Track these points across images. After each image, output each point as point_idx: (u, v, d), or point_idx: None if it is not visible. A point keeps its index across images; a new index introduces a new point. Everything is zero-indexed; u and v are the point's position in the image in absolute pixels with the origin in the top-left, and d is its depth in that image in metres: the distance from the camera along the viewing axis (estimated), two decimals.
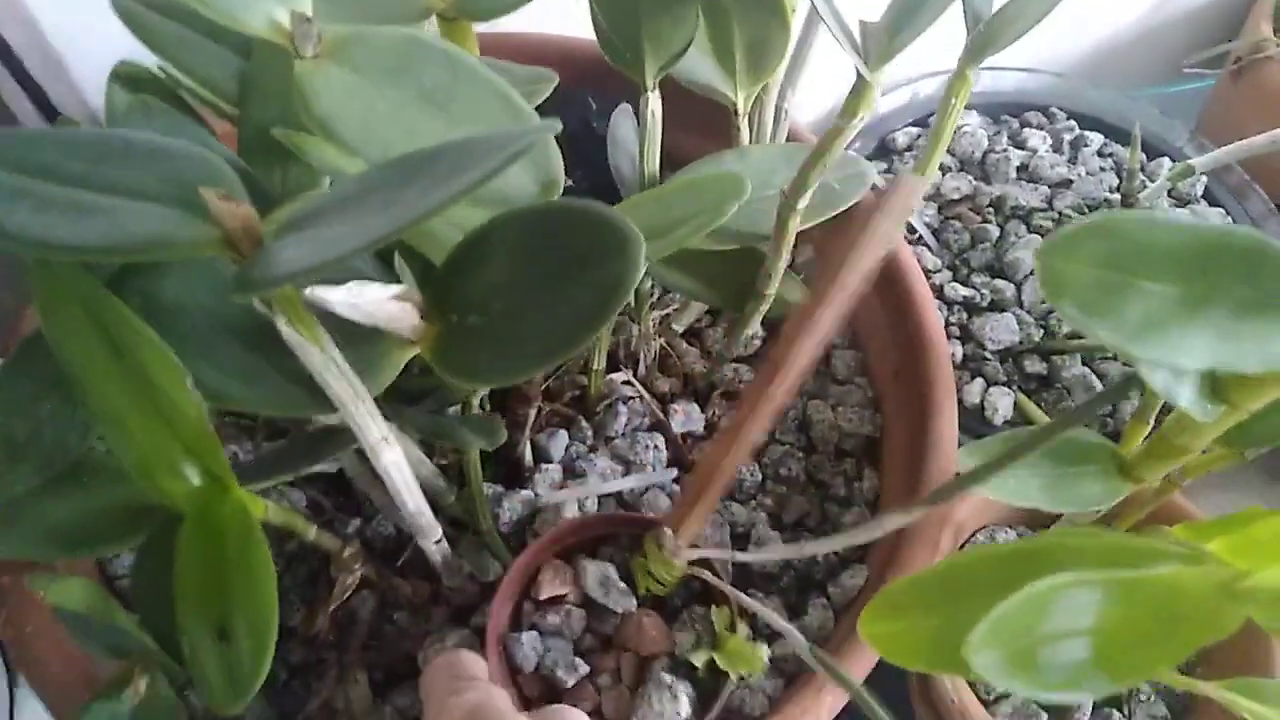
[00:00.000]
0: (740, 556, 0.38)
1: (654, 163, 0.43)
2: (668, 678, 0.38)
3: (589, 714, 0.37)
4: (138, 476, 0.29)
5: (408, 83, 0.30)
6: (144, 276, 0.29)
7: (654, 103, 0.41)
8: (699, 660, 0.38)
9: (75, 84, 0.50)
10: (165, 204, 0.26)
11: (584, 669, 0.39)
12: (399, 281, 0.32)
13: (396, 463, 0.31)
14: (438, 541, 0.38)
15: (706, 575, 0.38)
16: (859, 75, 0.35)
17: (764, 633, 0.43)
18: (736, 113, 0.43)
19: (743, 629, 0.39)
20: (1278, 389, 0.25)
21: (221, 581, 0.27)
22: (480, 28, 0.39)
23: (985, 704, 0.44)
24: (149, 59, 0.38)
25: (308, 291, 0.26)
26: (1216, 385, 0.26)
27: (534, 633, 0.39)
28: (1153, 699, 0.44)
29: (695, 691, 0.38)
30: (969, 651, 0.19)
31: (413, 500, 0.33)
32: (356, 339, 0.30)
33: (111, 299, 0.27)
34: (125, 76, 0.37)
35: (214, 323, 0.29)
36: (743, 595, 0.35)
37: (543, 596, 0.39)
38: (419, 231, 0.32)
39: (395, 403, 0.35)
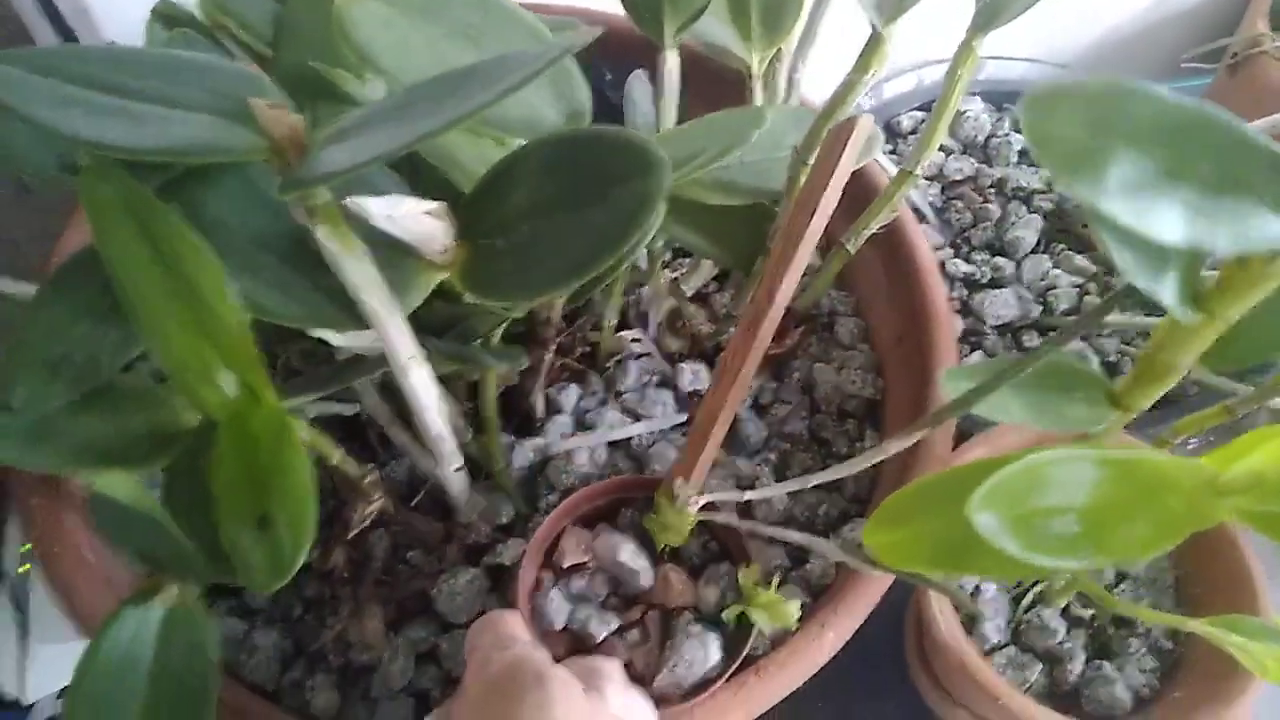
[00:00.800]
0: (747, 495, 0.39)
1: (670, 121, 0.44)
2: (696, 628, 0.39)
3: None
4: (177, 385, 0.31)
5: (441, 18, 0.32)
6: (188, 191, 0.30)
7: (671, 61, 0.42)
8: (731, 616, 0.39)
9: (101, 34, 0.52)
10: (215, 114, 0.27)
11: (614, 623, 0.40)
12: None
13: (424, 381, 0.33)
14: (457, 469, 0.39)
15: (718, 517, 0.39)
16: (873, 30, 0.36)
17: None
18: (750, 75, 0.45)
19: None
20: (1252, 292, 0.26)
21: (260, 478, 0.28)
22: None
23: (982, 654, 0.45)
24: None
25: (348, 200, 0.27)
26: (1196, 291, 0.27)
27: (560, 595, 0.40)
28: (1143, 653, 0.46)
29: (722, 640, 0.39)
30: (970, 510, 0.20)
31: (436, 423, 0.35)
32: (389, 261, 0.31)
33: (161, 207, 0.28)
34: (164, 15, 0.38)
35: (253, 238, 0.31)
36: (758, 526, 0.37)
37: (566, 564, 0.40)
38: (448, 160, 0.33)
39: (421, 334, 0.36)
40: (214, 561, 0.32)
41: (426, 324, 0.36)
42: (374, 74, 0.31)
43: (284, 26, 0.38)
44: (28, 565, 0.71)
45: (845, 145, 0.33)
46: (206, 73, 0.28)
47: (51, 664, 0.67)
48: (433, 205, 0.29)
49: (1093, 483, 0.22)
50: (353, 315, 0.31)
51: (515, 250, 0.30)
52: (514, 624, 0.35)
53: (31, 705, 0.67)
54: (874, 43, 0.36)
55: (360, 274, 0.29)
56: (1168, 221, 0.23)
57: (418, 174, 0.35)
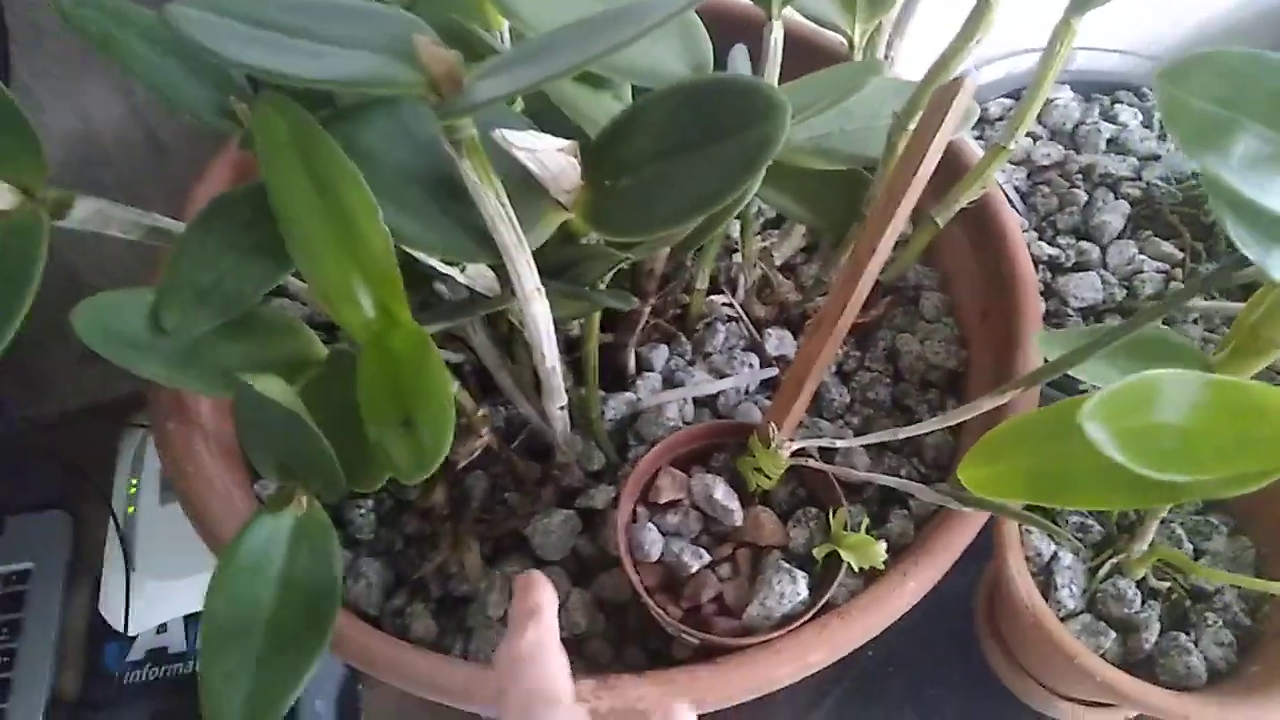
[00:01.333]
0: (837, 443, 0.41)
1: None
2: (785, 565, 0.41)
3: (710, 601, 0.41)
4: (324, 304, 0.33)
5: None
6: (346, 125, 0.33)
7: (777, 31, 0.44)
8: (820, 554, 0.41)
9: None
10: (379, 52, 0.30)
11: (706, 556, 0.42)
12: None
13: (544, 313, 0.35)
14: (562, 407, 0.41)
15: (810, 462, 0.41)
16: None
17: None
18: (852, 46, 0.46)
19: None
20: None
21: (402, 387, 0.31)
22: None
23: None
24: None
25: (495, 132, 0.30)
26: None
27: (656, 529, 0.42)
28: (1219, 626, 0.46)
29: (809, 579, 0.41)
30: (1082, 418, 0.21)
31: (551, 354, 0.37)
32: (520, 199, 0.33)
33: (324, 134, 0.31)
34: None
35: (402, 170, 0.33)
36: (849, 471, 0.38)
37: (662, 500, 0.42)
38: (575, 111, 0.36)
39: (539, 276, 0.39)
40: (350, 468, 0.35)
41: (543, 267, 0.38)
42: (512, 20, 0.34)
43: None
44: (133, 507, 0.76)
45: (950, 104, 0.35)
46: (371, 15, 0.31)
47: (153, 599, 0.71)
48: (566, 143, 0.32)
49: (1198, 404, 0.23)
50: (485, 247, 0.33)
51: (639, 189, 0.32)
52: (556, 673, 0.31)
53: (135, 637, 0.71)
54: (981, 8, 0.38)
55: (496, 206, 0.31)
56: None
57: (543, 127, 0.37)
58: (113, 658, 0.70)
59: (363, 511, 0.48)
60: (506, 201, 0.32)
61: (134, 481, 0.75)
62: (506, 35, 0.38)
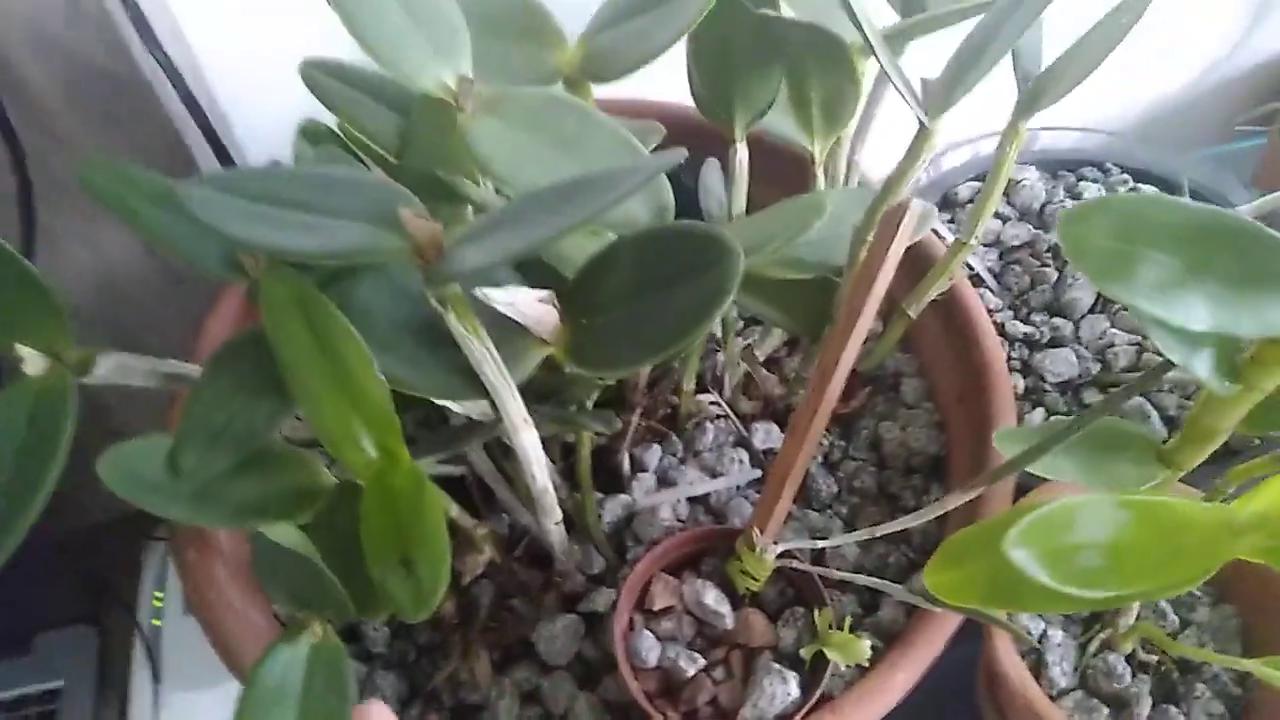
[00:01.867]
0: (820, 544, 0.43)
1: (740, 205, 0.49)
2: (776, 666, 0.43)
3: (706, 704, 0.42)
4: (328, 447, 0.36)
5: (547, 131, 0.37)
6: (342, 284, 0.36)
7: (742, 152, 0.48)
8: (808, 654, 0.43)
9: (238, 143, 0.59)
10: (369, 222, 0.33)
11: (701, 661, 0.43)
12: None
13: (533, 442, 0.38)
14: (557, 523, 0.44)
15: (795, 564, 0.43)
16: (920, 124, 0.41)
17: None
18: (813, 161, 0.50)
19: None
20: None
21: (401, 528, 0.33)
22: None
23: (1050, 699, 0.48)
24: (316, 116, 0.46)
25: (477, 290, 0.33)
26: (1233, 364, 0.31)
27: (652, 635, 0.44)
28: (1209, 697, 0.47)
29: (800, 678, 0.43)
30: (1007, 546, 0.24)
31: (542, 477, 0.40)
32: (504, 340, 0.36)
33: (322, 298, 0.34)
34: (310, 132, 0.45)
35: (393, 321, 0.36)
36: (831, 572, 0.40)
37: (656, 607, 0.45)
38: (555, 254, 0.39)
39: (527, 400, 0.41)
40: (358, 598, 0.37)
41: (531, 391, 0.41)
42: (490, 179, 0.37)
43: (408, 139, 0.44)
44: (159, 620, 0.78)
45: (898, 227, 0.38)
46: (359, 187, 0.34)
47: (181, 710, 0.72)
48: (543, 293, 0.34)
49: (1117, 523, 0.25)
50: (474, 386, 0.36)
51: (611, 328, 0.35)
52: None
53: None
54: (922, 135, 0.41)
55: (482, 352, 0.34)
56: (1194, 313, 0.27)
57: (525, 264, 0.40)
58: None
59: (376, 626, 0.50)
60: (491, 346, 0.35)
61: (158, 594, 0.78)
62: (491, 185, 0.42)
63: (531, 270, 0.40)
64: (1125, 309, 0.64)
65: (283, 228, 0.32)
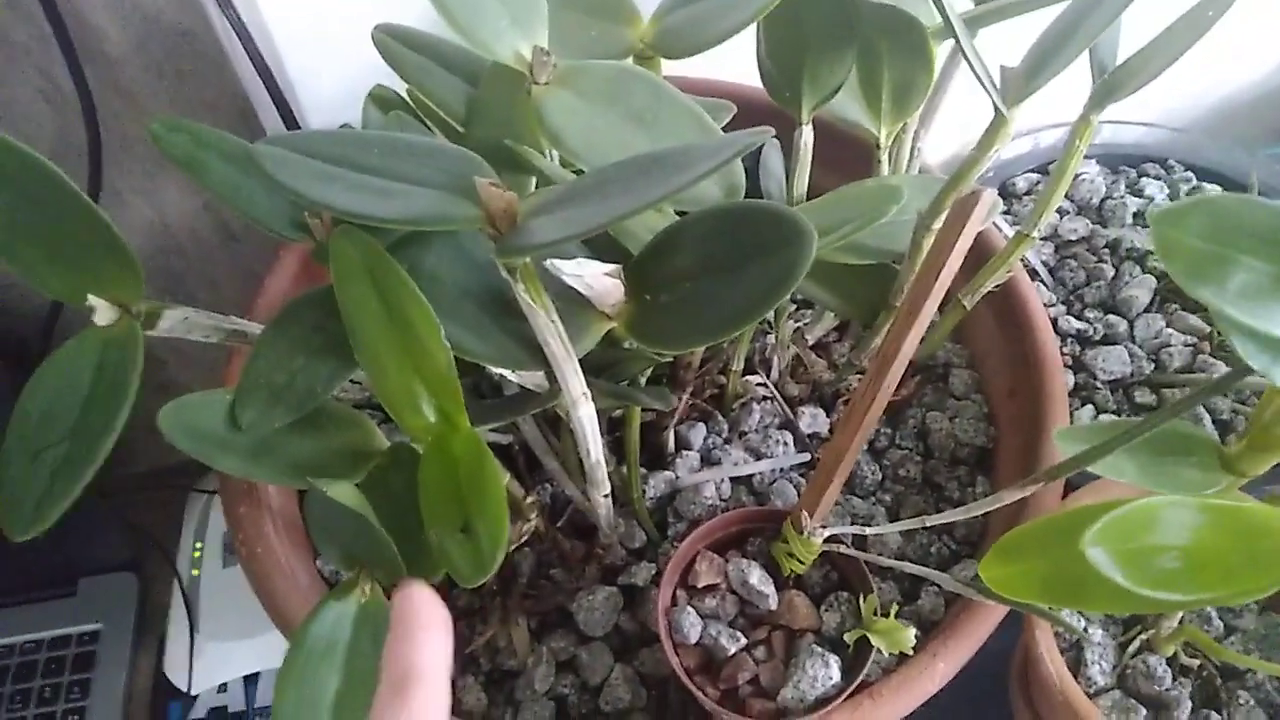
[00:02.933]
0: (867, 530, 0.43)
1: (803, 188, 0.49)
2: (818, 649, 0.43)
3: (746, 683, 0.42)
4: (389, 410, 0.36)
5: (620, 105, 0.37)
6: (411, 249, 0.36)
7: (807, 135, 0.47)
8: (852, 639, 0.43)
9: (303, 107, 0.59)
10: (443, 190, 0.33)
11: (743, 640, 0.43)
12: None
13: (590, 415, 0.38)
14: (606, 495, 0.44)
15: (841, 548, 0.43)
16: (997, 112, 0.40)
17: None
18: (879, 146, 0.49)
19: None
20: None
21: (461, 493, 0.34)
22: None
23: (1088, 697, 0.47)
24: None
25: (547, 262, 0.33)
26: None
27: (694, 613, 0.44)
28: (1252, 705, 0.47)
29: (841, 662, 0.43)
30: (1084, 544, 0.23)
31: (596, 451, 0.40)
32: (569, 312, 0.36)
33: (391, 262, 0.34)
34: (379, 98, 0.45)
35: (460, 290, 0.37)
36: (877, 558, 0.40)
37: (700, 584, 0.45)
38: (621, 228, 0.39)
39: (585, 374, 0.42)
40: (410, 559, 0.38)
41: (587, 364, 0.41)
42: (561, 151, 0.37)
43: (475, 108, 0.44)
44: (198, 570, 0.79)
45: (969, 217, 0.37)
46: (434, 154, 0.34)
47: (215, 660, 0.74)
48: (611, 267, 0.34)
49: (1195, 526, 0.25)
50: (536, 356, 0.36)
51: (678, 305, 0.35)
52: None
53: (197, 696, 0.74)
54: (997, 123, 0.40)
55: (547, 323, 0.34)
56: None
57: (592, 238, 0.40)
58: (176, 716, 0.73)
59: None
60: (557, 318, 0.35)
61: (198, 545, 0.79)
62: (556, 155, 0.42)
63: (596, 244, 0.40)
64: (1183, 309, 0.63)
65: (356, 190, 0.33)
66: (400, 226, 0.33)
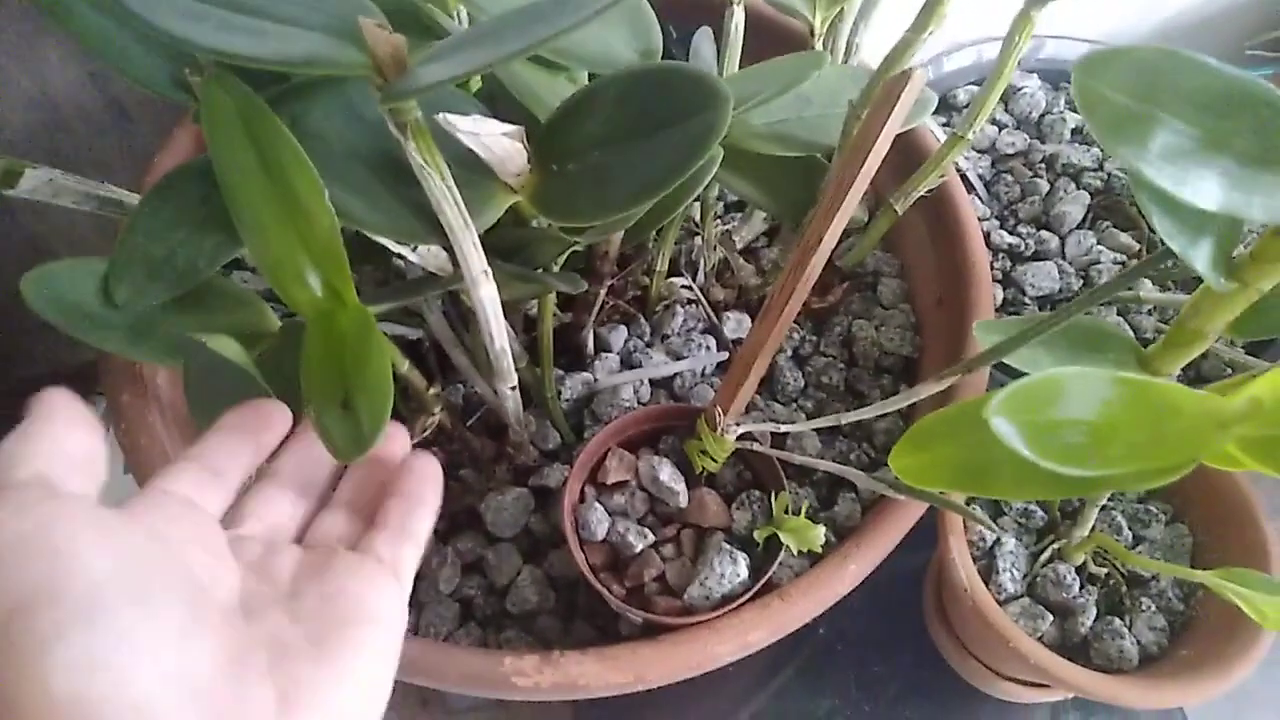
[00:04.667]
0: (782, 427, 0.42)
1: (732, 72, 0.46)
2: (728, 546, 0.42)
3: (653, 580, 0.41)
4: (272, 282, 0.34)
5: None
6: (291, 106, 0.33)
7: (738, 15, 0.45)
8: (761, 536, 0.42)
9: None
10: (326, 32, 0.30)
11: (650, 537, 0.42)
12: None
13: (491, 297, 0.35)
14: (513, 388, 0.42)
15: (754, 446, 0.42)
16: None
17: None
18: (813, 34, 0.47)
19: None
20: None
21: (344, 368, 0.31)
22: None
23: (997, 604, 0.47)
24: None
25: (439, 116, 0.30)
26: (1230, 261, 0.29)
27: (602, 508, 0.43)
28: (1154, 611, 0.47)
29: (750, 561, 0.42)
30: (989, 414, 0.22)
31: (500, 337, 0.37)
32: (468, 181, 0.34)
33: (268, 113, 0.31)
34: None
35: (347, 151, 0.34)
36: (792, 456, 0.39)
37: (609, 481, 0.43)
38: (527, 94, 0.36)
39: (489, 257, 0.39)
40: None
41: (495, 249, 0.39)
42: (465, 4, 0.34)
43: None
44: None
45: (898, 97, 0.35)
46: None
47: None
48: (511, 128, 0.32)
49: (1105, 400, 0.24)
50: (432, 228, 0.34)
51: (587, 174, 0.32)
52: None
53: None
54: (932, 2, 0.38)
55: (442, 188, 0.32)
56: (1205, 189, 0.25)
57: (498, 110, 0.37)
58: None
59: None
60: (453, 184, 0.32)
61: None
62: (464, 18, 0.38)
63: (504, 117, 0.37)
64: (1115, 226, 0.62)
65: (229, 30, 0.29)
66: (277, 68, 0.29)
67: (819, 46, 0.48)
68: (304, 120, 0.33)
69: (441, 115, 0.30)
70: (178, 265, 0.38)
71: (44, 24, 0.54)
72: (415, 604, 0.47)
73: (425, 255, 0.38)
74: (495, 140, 0.31)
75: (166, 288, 0.38)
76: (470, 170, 0.33)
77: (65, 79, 0.57)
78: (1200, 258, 0.28)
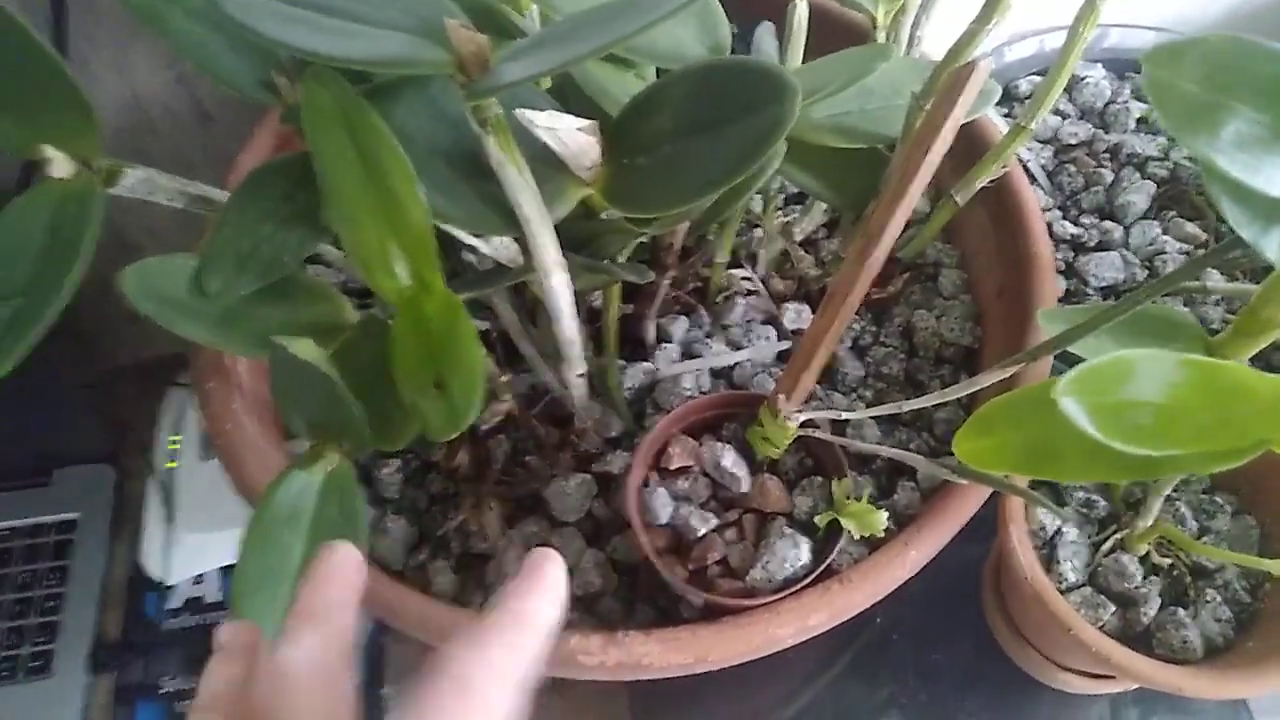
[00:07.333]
0: (844, 414, 0.42)
1: (795, 65, 0.47)
2: (789, 530, 0.42)
3: (715, 563, 0.42)
4: (361, 270, 0.35)
5: None
6: (379, 101, 0.35)
7: (801, 9, 0.45)
8: (823, 521, 0.42)
9: None
10: (412, 33, 0.31)
11: (713, 521, 0.43)
12: None
13: (564, 283, 0.37)
14: (580, 375, 0.43)
15: (817, 433, 0.42)
16: None
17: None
18: (875, 26, 0.47)
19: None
20: None
21: (434, 351, 0.33)
22: None
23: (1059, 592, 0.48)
24: None
25: (517, 111, 0.31)
26: None
27: (665, 493, 0.44)
28: (1219, 602, 0.47)
29: (811, 545, 0.43)
30: (1058, 393, 0.23)
31: (569, 325, 0.39)
32: (544, 175, 0.35)
33: (367, 107, 0.32)
34: None
35: (431, 147, 0.35)
36: (853, 442, 0.40)
37: (673, 466, 0.44)
38: (598, 90, 0.37)
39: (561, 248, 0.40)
40: (378, 428, 0.37)
41: (564, 240, 0.40)
42: (540, 4, 0.35)
43: None
44: (174, 463, 0.79)
45: (963, 88, 0.36)
46: None
47: (191, 551, 0.74)
48: (586, 122, 0.33)
49: (1172, 382, 0.24)
50: (508, 220, 0.35)
51: (656, 167, 0.33)
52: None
53: (173, 586, 0.74)
54: None
55: (520, 182, 0.33)
56: (1278, 177, 0.25)
57: (570, 106, 0.38)
58: (152, 605, 0.74)
59: (390, 471, 0.50)
60: (530, 177, 0.34)
61: (175, 438, 0.78)
62: (536, 18, 0.40)
63: (576, 112, 0.38)
64: (1180, 215, 0.62)
65: (321, 32, 0.31)
66: (367, 68, 0.31)
67: (881, 39, 0.48)
68: (389, 116, 0.35)
69: (520, 111, 0.31)
70: (264, 257, 0.40)
71: (134, 29, 0.57)
72: (483, 586, 0.48)
73: (498, 247, 0.40)
74: (571, 135, 0.32)
75: (253, 279, 0.40)
76: (545, 164, 0.35)
77: (153, 82, 0.59)
78: (1272, 246, 0.28)
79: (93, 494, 0.79)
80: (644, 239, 0.43)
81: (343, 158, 0.33)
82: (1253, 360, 0.37)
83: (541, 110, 0.33)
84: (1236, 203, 0.29)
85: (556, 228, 0.36)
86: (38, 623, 0.70)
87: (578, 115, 0.37)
